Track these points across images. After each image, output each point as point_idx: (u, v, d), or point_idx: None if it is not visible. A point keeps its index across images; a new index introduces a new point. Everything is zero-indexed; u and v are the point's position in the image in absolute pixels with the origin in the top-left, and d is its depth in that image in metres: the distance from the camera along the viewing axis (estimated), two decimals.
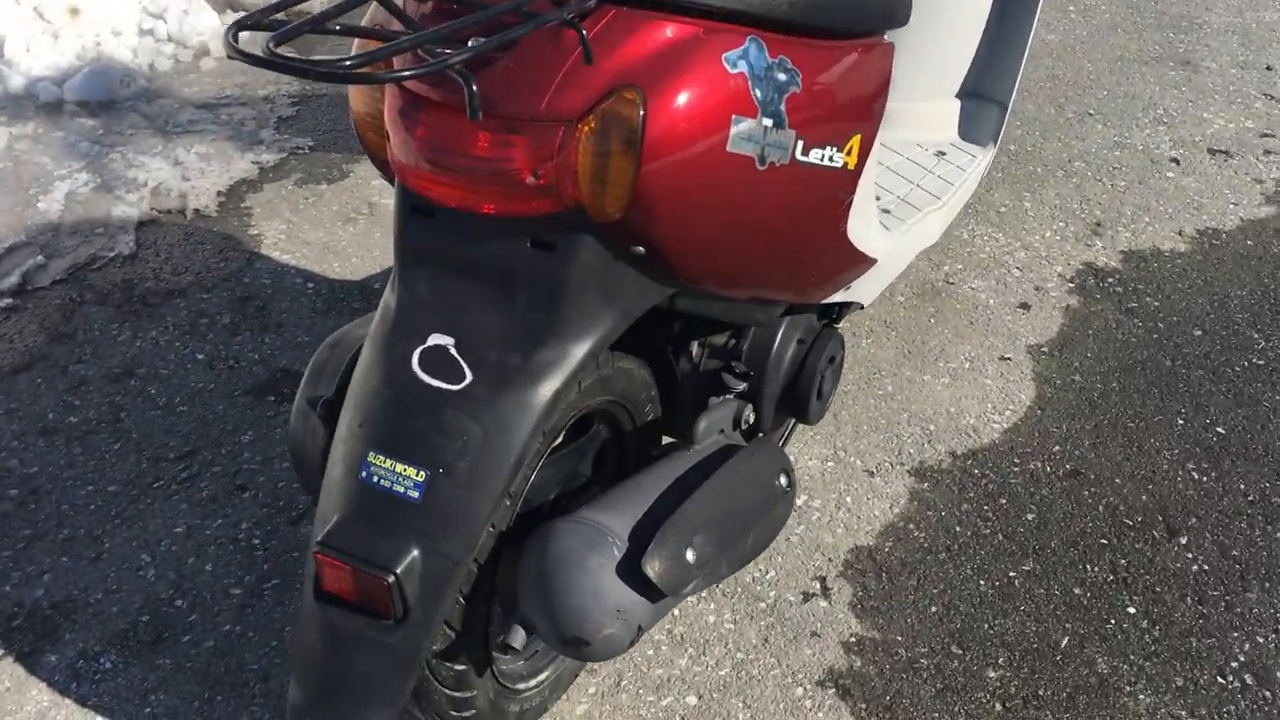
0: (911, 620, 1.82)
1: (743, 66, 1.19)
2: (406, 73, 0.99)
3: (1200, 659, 1.76)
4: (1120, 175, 3.01)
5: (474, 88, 0.99)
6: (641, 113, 1.12)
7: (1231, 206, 2.88)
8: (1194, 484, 2.07)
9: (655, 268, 1.25)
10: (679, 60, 1.15)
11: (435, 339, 1.23)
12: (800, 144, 1.27)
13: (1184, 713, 1.69)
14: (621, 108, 1.12)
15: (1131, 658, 1.76)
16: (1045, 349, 2.39)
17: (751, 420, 1.64)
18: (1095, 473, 2.09)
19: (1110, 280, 2.60)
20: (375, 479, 1.20)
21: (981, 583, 1.88)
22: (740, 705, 1.69)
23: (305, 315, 2.44)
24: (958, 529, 1.97)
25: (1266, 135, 3.22)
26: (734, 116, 1.18)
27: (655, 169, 1.14)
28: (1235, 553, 1.94)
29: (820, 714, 1.68)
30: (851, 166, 1.39)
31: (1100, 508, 2.02)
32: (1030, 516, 2.00)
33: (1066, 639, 1.79)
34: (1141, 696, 1.71)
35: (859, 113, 1.39)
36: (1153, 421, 2.20)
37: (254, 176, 2.95)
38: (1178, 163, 3.08)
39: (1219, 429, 2.19)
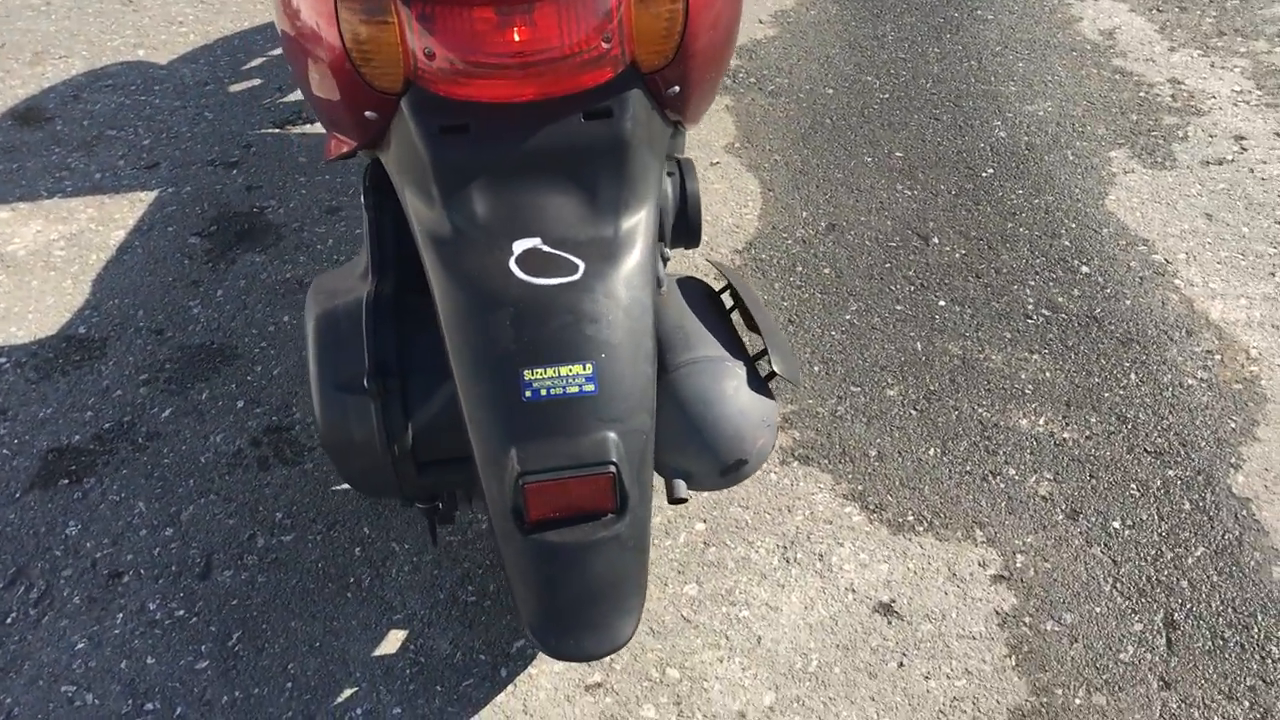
0: (806, 375, 2.04)
1: None
2: None
3: (1009, 314, 2.17)
4: None
5: None
6: None
7: None
8: (911, 198, 2.47)
9: (678, 107, 1.30)
10: None
11: (522, 244, 1.20)
12: None
13: (1027, 353, 2.09)
14: None
15: (968, 333, 2.13)
16: (737, 145, 2.66)
17: (668, 257, 1.74)
18: (845, 220, 2.42)
19: (741, 75, 2.92)
20: (543, 391, 1.17)
21: (833, 332, 2.14)
22: (739, 508, 1.83)
23: (21, 387, 2.08)
24: (784, 303, 2.21)
25: None
26: None
27: (696, 7, 1.20)
28: (974, 234, 2.37)
29: (801, 482, 1.87)
30: None
31: (866, 242, 2.36)
32: (827, 270, 2.29)
33: (920, 343, 2.12)
34: (994, 356, 2.08)
35: None
36: (851, 166, 2.57)
37: None
38: None
39: (898, 154, 2.61)
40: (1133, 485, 1.84)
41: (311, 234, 2.38)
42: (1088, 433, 1.93)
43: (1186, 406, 1.97)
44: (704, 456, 1.31)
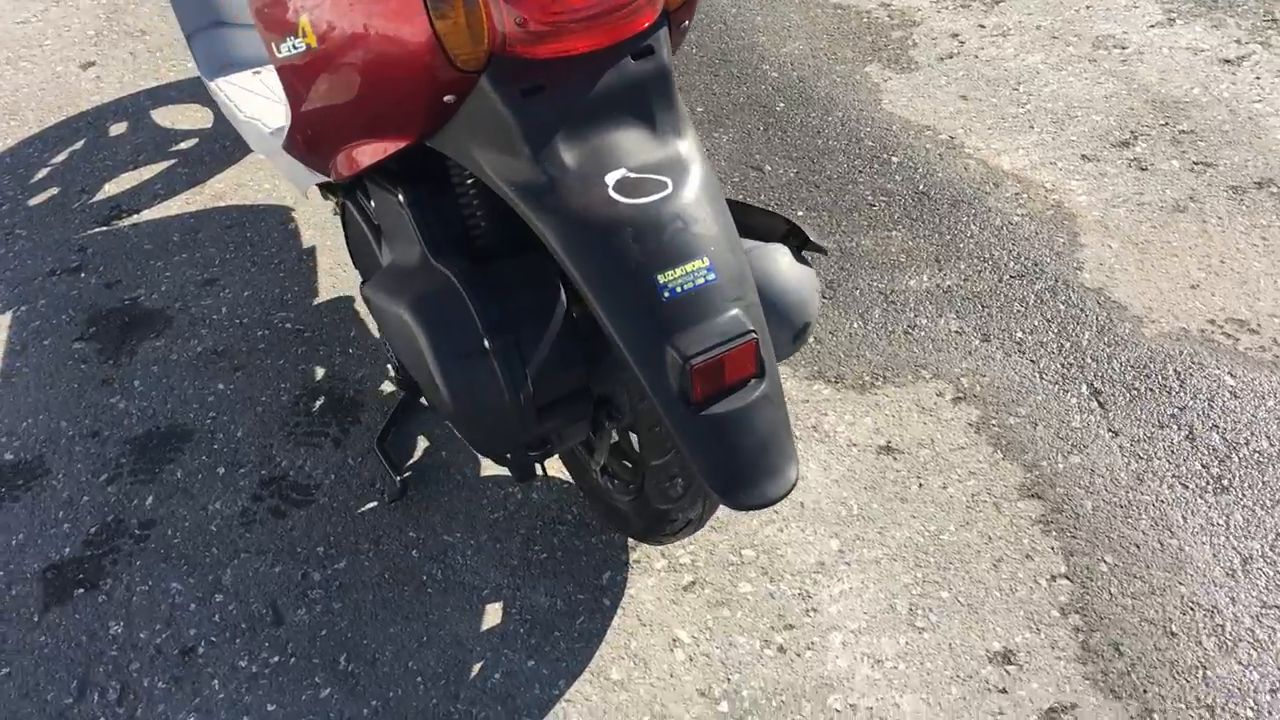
0: None
1: None
2: None
3: (856, 207, 2.53)
4: None
5: None
6: None
7: None
8: (731, 140, 2.79)
9: (677, 42, 1.52)
10: None
11: (612, 176, 1.37)
12: None
13: (887, 232, 2.45)
14: None
15: (833, 230, 2.46)
16: None
17: None
18: None
19: None
20: (678, 289, 1.35)
21: None
22: None
23: None
24: None
25: None
26: None
27: None
28: (795, 155, 2.71)
29: None
30: None
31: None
32: None
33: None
34: (864, 241, 2.42)
35: None
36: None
37: None
38: None
39: (699, 109, 2.92)
40: (1016, 304, 2.23)
41: (199, 309, 2.37)
42: (963, 276, 2.31)
43: (1023, 237, 2.40)
44: (781, 328, 1.53)
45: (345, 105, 1.46)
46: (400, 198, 1.54)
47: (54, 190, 2.76)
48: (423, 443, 2.04)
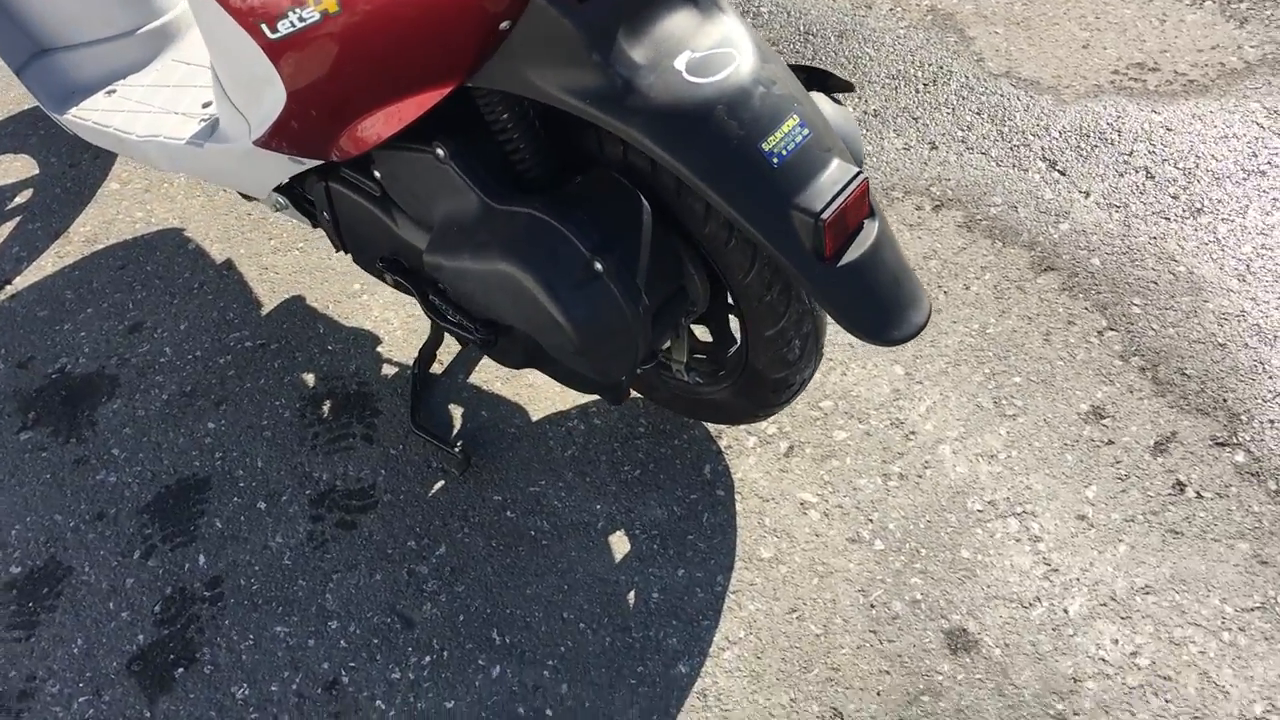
0: None
1: None
2: None
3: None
4: None
5: None
6: None
7: None
8: None
9: None
10: None
11: (679, 61, 1.35)
12: None
13: None
14: None
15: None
16: None
17: None
18: None
19: None
20: (783, 151, 1.35)
21: None
22: None
23: (21, 649, 1.79)
24: None
25: None
26: None
27: None
28: None
29: None
30: None
31: None
32: None
33: None
34: None
35: None
36: None
37: None
38: None
39: None
40: (943, 108, 2.33)
41: (139, 358, 2.19)
42: (884, 98, 2.38)
43: (917, 47, 2.49)
44: None
45: (377, 65, 1.37)
46: (440, 153, 1.46)
47: None
48: (456, 410, 1.97)
